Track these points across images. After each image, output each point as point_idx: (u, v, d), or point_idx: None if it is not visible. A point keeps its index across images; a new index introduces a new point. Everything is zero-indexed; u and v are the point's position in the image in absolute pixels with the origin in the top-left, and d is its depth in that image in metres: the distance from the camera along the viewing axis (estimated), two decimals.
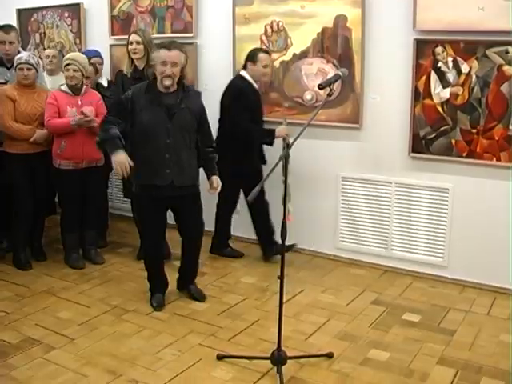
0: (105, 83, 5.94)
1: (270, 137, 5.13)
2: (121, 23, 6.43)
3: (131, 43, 5.20)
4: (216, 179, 4.41)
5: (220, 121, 5.26)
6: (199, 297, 4.65)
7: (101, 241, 5.77)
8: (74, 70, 5.01)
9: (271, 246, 5.37)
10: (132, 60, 5.26)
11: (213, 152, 4.47)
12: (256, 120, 5.18)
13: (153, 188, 4.25)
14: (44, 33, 7.08)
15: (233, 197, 5.36)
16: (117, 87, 5.31)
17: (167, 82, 4.15)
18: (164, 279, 4.66)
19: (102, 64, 5.99)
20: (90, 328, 4.16)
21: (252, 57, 5.15)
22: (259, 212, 5.30)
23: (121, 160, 4.07)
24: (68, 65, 5.01)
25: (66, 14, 6.83)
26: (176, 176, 4.24)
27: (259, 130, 5.20)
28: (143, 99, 4.18)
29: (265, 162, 5.30)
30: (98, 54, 5.95)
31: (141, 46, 5.20)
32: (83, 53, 5.69)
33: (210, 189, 4.43)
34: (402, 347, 3.95)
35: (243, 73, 5.20)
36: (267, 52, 5.23)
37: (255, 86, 5.20)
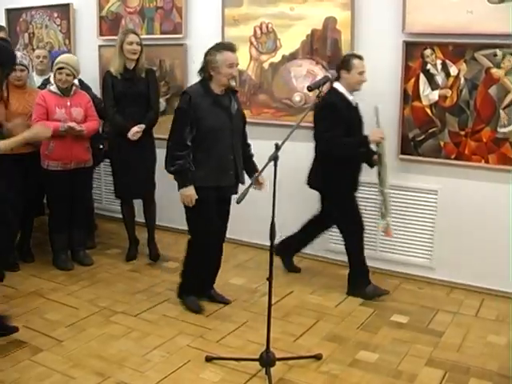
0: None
1: (362, 146, 4.60)
2: (109, 24, 6.42)
3: (131, 43, 5.16)
4: (260, 176, 4.09)
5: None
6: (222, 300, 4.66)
7: (89, 242, 5.76)
8: (67, 75, 5.00)
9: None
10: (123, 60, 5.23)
11: (250, 150, 4.54)
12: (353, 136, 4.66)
13: (217, 189, 4.27)
14: (33, 33, 7.05)
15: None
16: (106, 88, 5.26)
17: (233, 83, 4.30)
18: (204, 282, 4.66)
19: None
20: (78, 330, 4.15)
21: (346, 64, 4.58)
22: None
23: (189, 194, 4.17)
24: (61, 68, 4.99)
25: (56, 15, 6.80)
26: (239, 176, 4.34)
27: (345, 144, 4.57)
28: (204, 103, 4.15)
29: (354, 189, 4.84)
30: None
31: (139, 47, 5.19)
32: (54, 55, 5.67)
33: (257, 185, 4.22)
34: (390, 349, 3.96)
35: (336, 85, 4.61)
36: (360, 57, 4.60)
37: (349, 97, 4.62)
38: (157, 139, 5.43)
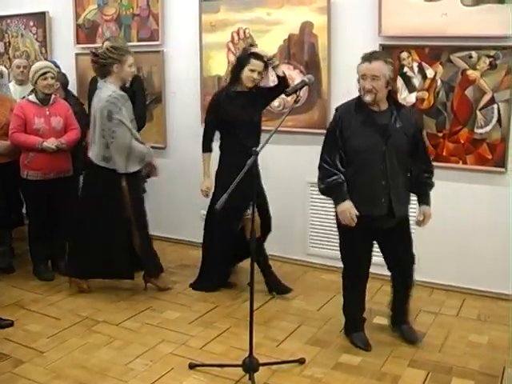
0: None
1: None
2: (86, 32, 6.40)
3: None
4: (425, 210, 3.93)
5: None
6: (412, 339, 4.10)
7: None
8: (52, 78, 4.97)
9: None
10: None
11: (429, 177, 3.95)
12: None
13: (365, 219, 3.80)
14: (9, 42, 7.01)
15: None
16: (92, 94, 5.17)
17: (367, 98, 3.73)
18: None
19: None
20: (60, 340, 4.12)
21: None
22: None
23: (346, 208, 3.77)
24: (46, 73, 4.94)
25: (31, 23, 6.76)
26: (394, 205, 3.81)
27: None
28: (354, 120, 3.78)
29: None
30: (55, 64, 5.73)
31: None
32: None
33: (417, 221, 3.98)
34: (373, 351, 3.98)
35: None
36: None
37: None
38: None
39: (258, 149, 3.46)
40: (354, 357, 3.89)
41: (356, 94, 3.86)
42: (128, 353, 3.95)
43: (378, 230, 3.90)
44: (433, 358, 3.89)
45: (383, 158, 3.73)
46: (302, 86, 3.82)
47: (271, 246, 5.44)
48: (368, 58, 3.74)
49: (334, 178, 3.80)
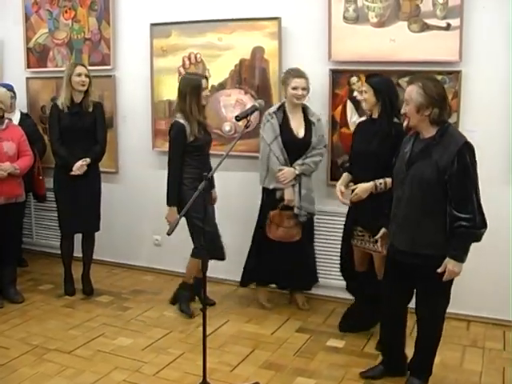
0: (15, 119, 5.71)
1: None
2: (37, 56, 6.34)
3: (79, 75, 5.08)
4: (447, 263, 3.38)
5: None
6: None
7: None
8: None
9: None
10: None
11: (463, 227, 3.31)
12: None
13: (390, 248, 3.71)
14: None
15: None
16: (52, 121, 5.17)
17: (404, 122, 3.73)
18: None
19: (14, 98, 5.78)
20: (10, 370, 4.01)
21: None
22: None
23: None
24: None
25: None
26: (395, 235, 3.63)
27: None
28: (407, 145, 3.60)
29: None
30: (10, 88, 5.68)
31: (88, 79, 5.13)
32: None
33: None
34: (327, 373, 3.99)
35: None
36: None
37: None
38: (102, 173, 5.46)
39: (208, 174, 3.47)
40: (308, 380, 3.90)
41: None
42: (80, 381, 3.87)
43: (395, 263, 3.67)
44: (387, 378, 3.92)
45: (401, 184, 3.55)
46: (253, 111, 3.85)
47: (226, 271, 5.46)
48: (408, 81, 3.66)
49: None
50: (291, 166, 4.76)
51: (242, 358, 4.21)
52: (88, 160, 5.14)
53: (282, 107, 4.85)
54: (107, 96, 5.99)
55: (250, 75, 5.33)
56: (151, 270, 6.03)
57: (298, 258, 4.93)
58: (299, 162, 4.77)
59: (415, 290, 3.65)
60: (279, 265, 4.92)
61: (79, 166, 5.10)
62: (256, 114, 4.52)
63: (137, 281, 5.87)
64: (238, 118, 3.81)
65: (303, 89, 4.72)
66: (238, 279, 5.25)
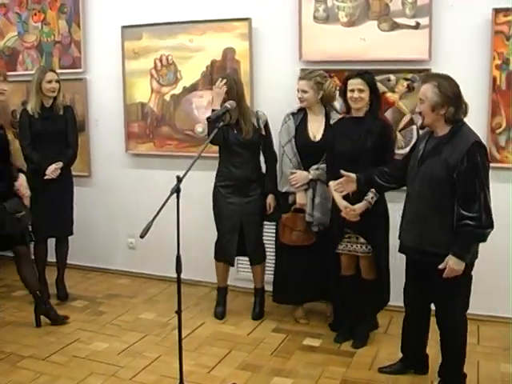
0: None
1: None
2: (6, 59, 6.27)
3: (50, 81, 5.04)
4: (448, 260, 3.38)
5: None
6: None
7: None
8: None
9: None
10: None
11: (468, 225, 3.30)
12: None
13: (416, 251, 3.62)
14: None
15: None
16: (23, 126, 5.13)
17: (419, 122, 3.77)
18: None
19: None
20: None
21: None
22: None
23: None
24: None
25: None
26: (406, 233, 3.68)
27: None
28: (422, 143, 3.62)
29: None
30: None
31: (58, 84, 5.11)
32: None
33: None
34: (304, 372, 4.00)
35: None
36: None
37: None
38: (75, 176, 5.44)
39: (180, 175, 3.45)
40: (285, 379, 3.90)
41: None
42: None
43: (408, 262, 3.79)
44: (363, 376, 3.94)
45: (412, 181, 3.58)
46: (225, 113, 3.86)
47: (201, 272, 5.45)
48: (423, 79, 3.67)
49: None
50: (306, 170, 4.59)
51: (218, 360, 4.20)
52: (61, 164, 5.11)
53: (303, 108, 4.68)
54: (78, 99, 5.94)
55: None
56: (126, 274, 6.00)
57: (323, 266, 4.65)
58: (314, 166, 4.54)
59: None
60: (307, 279, 4.69)
61: (53, 170, 5.07)
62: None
63: (111, 285, 5.83)
64: (209, 120, 3.81)
65: (303, 91, 4.55)
66: (213, 281, 5.23)
